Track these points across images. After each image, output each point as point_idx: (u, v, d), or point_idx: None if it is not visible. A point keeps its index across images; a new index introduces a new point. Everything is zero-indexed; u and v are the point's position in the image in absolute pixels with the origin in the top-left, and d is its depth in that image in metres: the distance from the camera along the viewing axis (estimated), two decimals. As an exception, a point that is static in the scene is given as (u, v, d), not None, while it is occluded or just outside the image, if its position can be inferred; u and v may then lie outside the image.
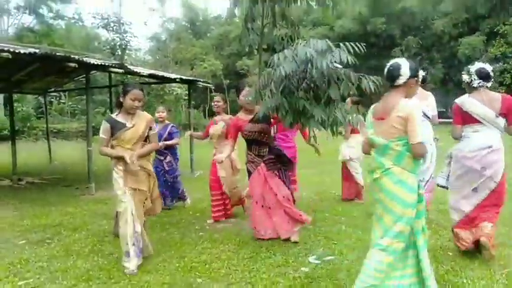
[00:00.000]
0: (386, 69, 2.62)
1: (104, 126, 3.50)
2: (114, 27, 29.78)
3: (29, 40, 27.15)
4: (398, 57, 2.72)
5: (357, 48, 3.10)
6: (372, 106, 2.71)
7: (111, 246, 4.02)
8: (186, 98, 17.96)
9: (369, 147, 2.71)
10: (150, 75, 9.10)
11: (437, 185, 3.95)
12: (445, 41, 28.86)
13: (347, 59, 3.09)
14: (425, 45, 29.87)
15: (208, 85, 10.92)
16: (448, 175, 3.69)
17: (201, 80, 10.88)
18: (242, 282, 3.09)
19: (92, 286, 3.10)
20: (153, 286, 3.08)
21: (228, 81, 31.89)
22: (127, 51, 30.26)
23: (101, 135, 3.51)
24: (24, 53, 6.05)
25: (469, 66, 3.59)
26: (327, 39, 3.25)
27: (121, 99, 3.47)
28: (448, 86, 29.67)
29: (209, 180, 5.05)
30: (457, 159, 3.51)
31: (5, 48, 5.86)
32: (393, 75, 2.56)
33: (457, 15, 28.12)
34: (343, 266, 3.37)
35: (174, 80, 9.82)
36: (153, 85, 21.07)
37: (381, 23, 30.62)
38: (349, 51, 3.12)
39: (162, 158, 5.66)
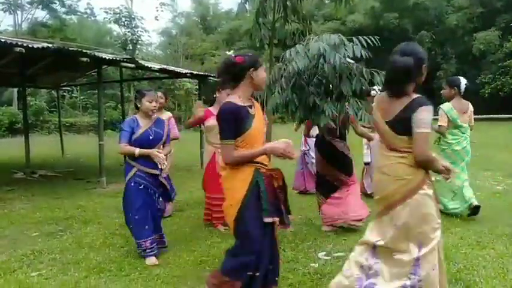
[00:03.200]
0: None
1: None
2: (126, 22, 29.98)
3: (42, 35, 27.51)
4: None
5: (370, 42, 3.06)
6: None
7: (122, 240, 4.07)
8: (197, 92, 18.03)
9: None
10: (161, 70, 9.12)
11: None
12: (459, 36, 28.33)
13: (361, 53, 3.05)
14: (438, 40, 29.36)
15: (219, 80, 10.90)
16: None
17: (212, 75, 10.88)
18: (251, 277, 3.09)
19: (103, 278, 3.14)
20: (163, 279, 3.11)
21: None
22: (138, 46, 30.47)
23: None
24: (38, 48, 6.12)
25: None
26: (340, 34, 3.22)
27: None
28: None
29: (204, 180, 4.56)
30: None
31: (19, 43, 5.94)
32: None
33: (472, 10, 27.56)
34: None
35: (184, 75, 9.84)
36: (163, 80, 21.17)
37: (393, 18, 30.17)
38: (362, 45, 3.08)
39: None
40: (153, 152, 3.40)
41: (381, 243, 2.29)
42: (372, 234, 2.37)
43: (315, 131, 4.96)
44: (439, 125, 4.49)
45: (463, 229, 4.13)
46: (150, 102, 3.44)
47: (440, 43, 29.52)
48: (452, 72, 27.97)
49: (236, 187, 2.30)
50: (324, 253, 3.58)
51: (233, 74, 2.33)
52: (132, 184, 3.47)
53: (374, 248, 2.34)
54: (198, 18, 43.93)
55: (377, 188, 2.41)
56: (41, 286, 3.02)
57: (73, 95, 28.91)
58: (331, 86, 3.26)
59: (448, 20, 28.54)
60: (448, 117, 4.47)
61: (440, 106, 4.53)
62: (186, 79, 20.11)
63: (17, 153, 11.43)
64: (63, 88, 16.72)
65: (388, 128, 2.24)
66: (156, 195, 3.59)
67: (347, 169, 4.16)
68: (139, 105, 3.47)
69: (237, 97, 2.32)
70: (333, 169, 4.11)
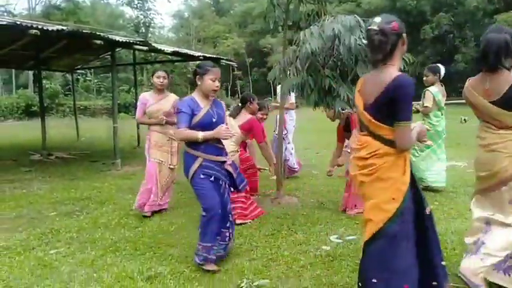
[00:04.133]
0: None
1: None
2: (138, 5, 29.88)
3: (55, 18, 27.62)
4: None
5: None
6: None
7: (137, 220, 4.15)
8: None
9: None
10: (174, 53, 9.11)
11: None
12: (479, 18, 27.46)
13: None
14: (457, 23, 28.53)
15: (232, 63, 10.83)
16: None
17: (224, 58, 10.81)
18: (263, 259, 3.13)
19: (118, 257, 3.22)
20: (176, 258, 3.16)
21: (251, 59, 31.59)
22: (150, 29, 30.39)
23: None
24: (52, 30, 6.15)
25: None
26: (355, 15, 3.14)
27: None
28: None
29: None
30: None
31: (34, 25, 5.97)
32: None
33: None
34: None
35: (197, 58, 9.80)
36: (176, 63, 21.13)
37: (410, -1, 29.39)
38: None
39: None
40: (220, 129, 2.82)
41: (495, 216, 2.41)
42: (483, 211, 2.47)
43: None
44: (426, 106, 4.90)
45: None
46: (213, 81, 2.91)
47: (459, 26, 28.71)
48: (471, 56, 27.27)
49: (402, 178, 1.93)
50: (335, 236, 3.59)
51: (392, 45, 1.92)
52: (202, 176, 2.86)
53: (487, 224, 2.46)
54: (210, 0, 43.48)
55: (484, 166, 2.42)
56: (59, 263, 3.11)
57: (87, 78, 29.19)
58: (346, 68, 3.21)
59: (467, 1, 27.62)
60: (434, 99, 4.91)
61: (428, 89, 4.95)
62: (199, 62, 20.03)
63: (33, 135, 11.66)
64: (78, 71, 16.86)
65: (497, 107, 2.29)
66: (226, 186, 3.05)
67: None
68: (199, 83, 2.93)
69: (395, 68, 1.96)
70: None
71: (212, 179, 2.88)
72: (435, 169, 5.01)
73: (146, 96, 4.47)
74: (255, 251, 3.29)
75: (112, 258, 3.19)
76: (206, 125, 2.85)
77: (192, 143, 2.85)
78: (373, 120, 1.93)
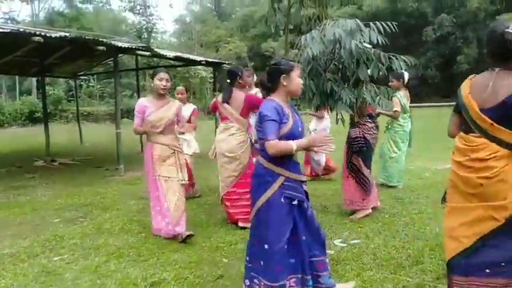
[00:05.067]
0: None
1: None
2: (141, 10, 30.04)
3: (58, 24, 27.85)
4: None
5: (387, 28, 2.99)
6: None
7: (140, 226, 4.15)
8: (211, 80, 18.04)
9: None
10: (176, 58, 9.14)
11: None
12: (481, 19, 27.38)
13: (377, 39, 2.98)
14: (459, 24, 28.45)
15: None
16: None
17: (226, 62, 10.83)
18: (267, 264, 3.11)
19: (122, 263, 3.22)
20: (180, 264, 3.16)
21: (253, 63, 31.64)
22: (153, 34, 30.53)
23: None
24: (56, 37, 6.20)
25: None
26: (356, 19, 3.14)
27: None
28: (483, 67, 28.28)
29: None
30: None
31: (37, 33, 6.02)
32: None
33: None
34: (368, 249, 3.33)
35: (199, 63, 9.84)
36: (178, 68, 21.21)
37: (412, 1, 29.36)
38: (379, 31, 3.01)
39: None
40: (317, 137, 2.39)
41: None
42: None
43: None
44: (395, 110, 5.18)
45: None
46: (300, 79, 2.47)
47: (461, 27, 28.63)
48: (474, 57, 27.21)
49: None
50: (340, 240, 3.57)
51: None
52: (283, 200, 2.30)
53: None
54: (212, 4, 43.68)
55: None
56: (63, 270, 3.11)
57: (90, 84, 29.31)
58: (348, 72, 3.21)
59: (469, 2, 27.59)
60: (401, 103, 5.25)
61: (396, 94, 5.21)
62: (201, 67, 20.13)
63: (37, 141, 11.72)
64: (81, 77, 16.95)
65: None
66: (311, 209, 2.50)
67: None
68: (284, 83, 2.35)
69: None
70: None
71: (295, 202, 2.34)
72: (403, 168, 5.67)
73: (144, 103, 3.77)
74: (259, 256, 3.27)
75: (116, 264, 3.19)
76: (296, 137, 2.35)
77: (273, 157, 2.29)
78: (495, 124, 1.92)
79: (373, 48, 3.25)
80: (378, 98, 3.23)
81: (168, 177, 3.73)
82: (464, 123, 2.10)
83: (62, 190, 6.02)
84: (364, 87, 3.22)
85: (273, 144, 2.23)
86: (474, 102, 2.01)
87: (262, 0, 23.14)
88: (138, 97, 11.91)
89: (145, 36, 28.86)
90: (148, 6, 30.23)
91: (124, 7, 31.33)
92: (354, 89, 3.21)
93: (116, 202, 5.20)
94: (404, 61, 3.04)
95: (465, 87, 2.10)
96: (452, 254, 2.11)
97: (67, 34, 6.71)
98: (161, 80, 3.70)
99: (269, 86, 2.40)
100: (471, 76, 2.22)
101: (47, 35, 6.08)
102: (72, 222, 4.36)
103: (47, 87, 16.54)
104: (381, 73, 3.13)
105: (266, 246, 2.30)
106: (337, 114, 3.32)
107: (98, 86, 29.13)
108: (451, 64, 28.43)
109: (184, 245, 3.57)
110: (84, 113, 23.04)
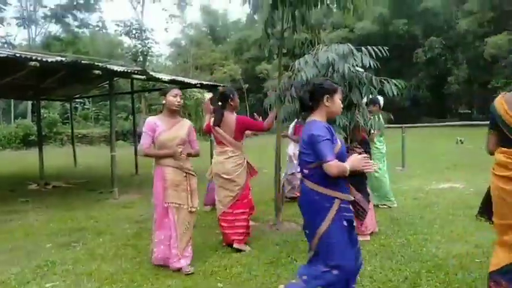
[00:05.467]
0: None
1: None
2: (136, 34, 30.50)
3: (55, 48, 28.14)
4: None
5: (379, 52, 3.07)
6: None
7: (134, 250, 4.09)
8: (206, 102, 18.13)
9: None
10: (171, 81, 9.23)
11: None
12: (470, 41, 28.08)
13: (369, 63, 3.06)
14: (449, 45, 29.15)
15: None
16: None
17: (221, 84, 10.96)
18: (263, 288, 3.08)
19: (115, 289, 3.16)
20: (175, 290, 3.11)
21: (247, 85, 32.00)
22: (148, 57, 30.89)
23: None
24: (51, 62, 6.25)
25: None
26: (349, 43, 3.23)
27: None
28: (472, 87, 28.88)
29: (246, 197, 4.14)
30: None
31: (33, 57, 6.08)
32: None
33: (482, 14, 27.34)
34: (366, 272, 3.31)
35: (194, 86, 9.93)
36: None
37: (402, 24, 30.11)
38: (370, 55, 3.09)
39: None
40: (356, 157, 2.33)
41: None
42: None
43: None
44: (373, 133, 5.26)
45: (477, 237, 4.05)
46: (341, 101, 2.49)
47: (450, 48, 29.31)
48: (464, 78, 27.75)
49: None
50: (336, 263, 3.54)
51: None
52: (345, 223, 2.32)
53: None
54: (207, 28, 44.45)
55: None
56: (54, 297, 3.05)
57: (85, 106, 29.41)
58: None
59: (458, 25, 28.35)
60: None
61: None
62: (196, 89, 20.29)
63: (31, 164, 11.63)
64: (76, 100, 17.00)
65: None
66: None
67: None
68: (327, 104, 2.36)
69: None
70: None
71: (351, 224, 2.37)
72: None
73: (155, 121, 3.46)
74: (255, 280, 3.24)
75: (109, 290, 3.13)
76: (344, 157, 2.33)
77: (328, 180, 2.25)
78: None
79: (365, 71, 3.32)
80: (370, 121, 3.28)
81: (179, 205, 3.45)
82: (505, 139, 2.21)
83: (55, 214, 5.94)
84: (357, 110, 3.29)
85: (335, 165, 2.18)
86: None
87: (256, 24, 23.62)
88: (134, 119, 11.97)
89: (141, 59, 29.20)
90: (144, 30, 30.69)
91: (120, 31, 31.79)
92: (347, 112, 3.26)
93: (110, 226, 5.14)
94: (396, 84, 3.12)
95: (502, 104, 2.24)
96: (497, 267, 2.37)
97: (63, 59, 6.78)
98: (175, 96, 3.44)
99: (309, 105, 2.38)
100: (503, 93, 2.35)
101: (43, 59, 6.14)
102: (64, 247, 4.29)
103: (42, 110, 16.54)
104: (372, 96, 3.20)
105: (335, 272, 2.30)
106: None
107: (93, 109, 29.22)
108: (441, 85, 28.93)
109: (178, 270, 3.52)
110: (79, 136, 23.00)
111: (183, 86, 10.95)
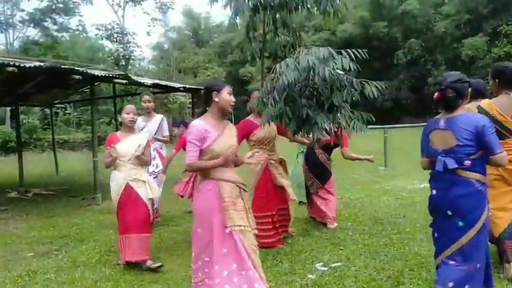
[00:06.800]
0: None
1: None
2: (118, 38, 30.12)
3: (34, 53, 27.56)
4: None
5: (359, 55, 3.12)
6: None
7: (118, 257, 4.03)
8: (190, 106, 18.06)
9: None
10: (154, 85, 9.17)
11: None
12: (448, 43, 28.82)
13: (349, 66, 3.10)
14: (428, 47, 29.84)
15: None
16: None
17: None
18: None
19: (99, 297, 3.11)
20: (160, 296, 3.08)
21: (232, 88, 31.97)
22: (131, 61, 30.57)
23: None
24: (30, 67, 6.13)
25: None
26: (329, 47, 3.27)
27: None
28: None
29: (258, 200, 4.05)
30: None
31: (11, 63, 5.95)
32: None
33: (459, 17, 28.09)
34: (350, 272, 3.35)
35: (178, 89, 9.88)
36: (157, 94, 21.17)
37: (382, 27, 30.68)
38: (351, 58, 3.14)
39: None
40: None
41: None
42: None
43: None
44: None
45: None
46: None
47: (429, 50, 30.00)
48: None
49: None
50: (321, 264, 3.58)
51: None
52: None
53: None
54: (189, 32, 44.29)
55: None
56: (36, 308, 2.98)
57: (66, 111, 28.83)
58: (322, 97, 3.30)
59: (436, 27, 29.07)
60: None
61: None
62: (180, 93, 20.18)
63: (10, 172, 11.34)
64: (57, 105, 16.67)
65: None
66: None
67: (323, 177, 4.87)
68: (468, 97, 2.52)
69: None
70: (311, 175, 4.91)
71: None
72: None
73: (204, 126, 2.66)
74: (241, 284, 3.23)
75: (92, 299, 3.09)
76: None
77: (484, 170, 2.42)
78: None
79: (346, 74, 3.36)
80: (353, 122, 3.33)
81: (244, 227, 2.63)
82: (500, 135, 2.63)
83: (35, 222, 5.81)
84: (338, 112, 3.33)
85: (505, 155, 2.36)
86: (508, 117, 2.97)
87: (238, 27, 23.68)
88: (116, 124, 11.79)
89: (123, 63, 28.85)
90: (126, 34, 30.34)
91: (101, 35, 31.31)
92: (329, 114, 3.30)
93: (93, 233, 5.06)
94: (376, 86, 3.17)
95: (493, 110, 3.01)
96: (505, 226, 3.00)
97: (42, 64, 6.65)
98: (230, 94, 2.79)
99: (457, 102, 2.39)
100: (491, 101, 3.10)
101: (21, 65, 6.01)
102: (46, 256, 4.20)
103: (21, 116, 16.16)
104: (354, 98, 3.24)
105: (478, 266, 2.38)
106: (313, 137, 3.41)
107: (75, 114, 28.69)
108: (422, 86, 29.55)
109: (164, 275, 3.49)
110: (60, 141, 22.53)
111: (167, 89, 10.89)
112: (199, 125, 2.65)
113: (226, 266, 2.55)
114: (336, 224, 4.77)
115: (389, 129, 10.74)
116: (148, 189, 3.77)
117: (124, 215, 3.73)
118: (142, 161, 3.80)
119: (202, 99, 2.81)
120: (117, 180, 3.76)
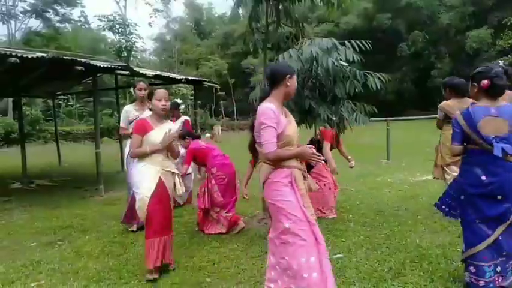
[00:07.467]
0: None
1: None
2: (120, 29, 29.99)
3: (36, 44, 27.51)
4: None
5: (362, 46, 3.10)
6: None
7: (121, 247, 4.06)
8: (192, 98, 18.06)
9: None
10: (156, 76, 9.13)
11: None
12: (452, 35, 28.60)
13: (353, 57, 3.09)
14: (432, 39, 29.62)
15: (214, 85, 10.92)
16: None
17: (207, 80, 10.90)
18: (251, 282, 3.10)
19: (102, 287, 3.14)
20: (162, 286, 3.11)
21: (234, 80, 31.91)
22: (133, 53, 30.45)
23: None
24: (32, 58, 6.11)
25: None
26: (332, 37, 3.25)
27: None
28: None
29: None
30: None
31: (13, 54, 5.93)
32: None
33: (463, 9, 27.80)
34: (351, 263, 3.36)
35: (180, 81, 9.86)
36: (159, 86, 21.14)
37: (386, 19, 30.44)
38: (354, 49, 3.12)
39: None
40: None
41: None
42: None
43: None
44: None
45: (460, 228, 4.14)
46: None
47: (433, 42, 29.78)
48: (447, 71, 28.21)
49: None
50: (322, 255, 3.58)
51: None
52: None
53: None
54: (192, 23, 44.06)
55: None
56: (40, 297, 3.01)
57: (69, 103, 28.87)
58: (325, 89, 3.29)
59: (440, 19, 28.82)
60: None
61: None
62: (182, 84, 20.15)
63: (13, 163, 11.40)
64: (59, 97, 16.69)
65: None
66: None
67: None
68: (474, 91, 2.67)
69: None
70: None
71: None
72: None
73: (275, 109, 2.44)
74: (242, 274, 3.26)
75: (96, 288, 3.11)
76: None
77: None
78: None
79: (349, 65, 3.35)
80: (355, 114, 3.32)
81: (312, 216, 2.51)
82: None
83: (39, 213, 5.85)
84: (341, 104, 3.32)
85: None
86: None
87: (241, 18, 23.52)
88: (119, 115, 11.77)
89: (125, 54, 28.75)
90: (128, 25, 30.21)
91: (103, 26, 31.19)
92: (332, 106, 3.29)
93: (96, 223, 5.08)
94: (379, 78, 3.16)
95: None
96: None
97: (44, 55, 6.63)
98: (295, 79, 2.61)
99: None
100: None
101: (23, 56, 6.00)
102: (49, 246, 4.23)
103: (24, 107, 16.17)
104: (357, 90, 3.23)
105: None
106: (315, 130, 3.40)
107: (77, 105, 28.72)
108: (426, 78, 29.39)
109: (166, 266, 3.51)
110: (63, 133, 22.61)
111: (169, 81, 10.87)
112: (270, 107, 2.41)
113: (316, 255, 2.43)
114: (333, 216, 4.80)
115: (392, 121, 10.70)
116: (178, 184, 3.39)
117: (155, 211, 3.23)
118: (173, 150, 3.35)
119: (269, 81, 2.54)
120: (151, 173, 3.23)
